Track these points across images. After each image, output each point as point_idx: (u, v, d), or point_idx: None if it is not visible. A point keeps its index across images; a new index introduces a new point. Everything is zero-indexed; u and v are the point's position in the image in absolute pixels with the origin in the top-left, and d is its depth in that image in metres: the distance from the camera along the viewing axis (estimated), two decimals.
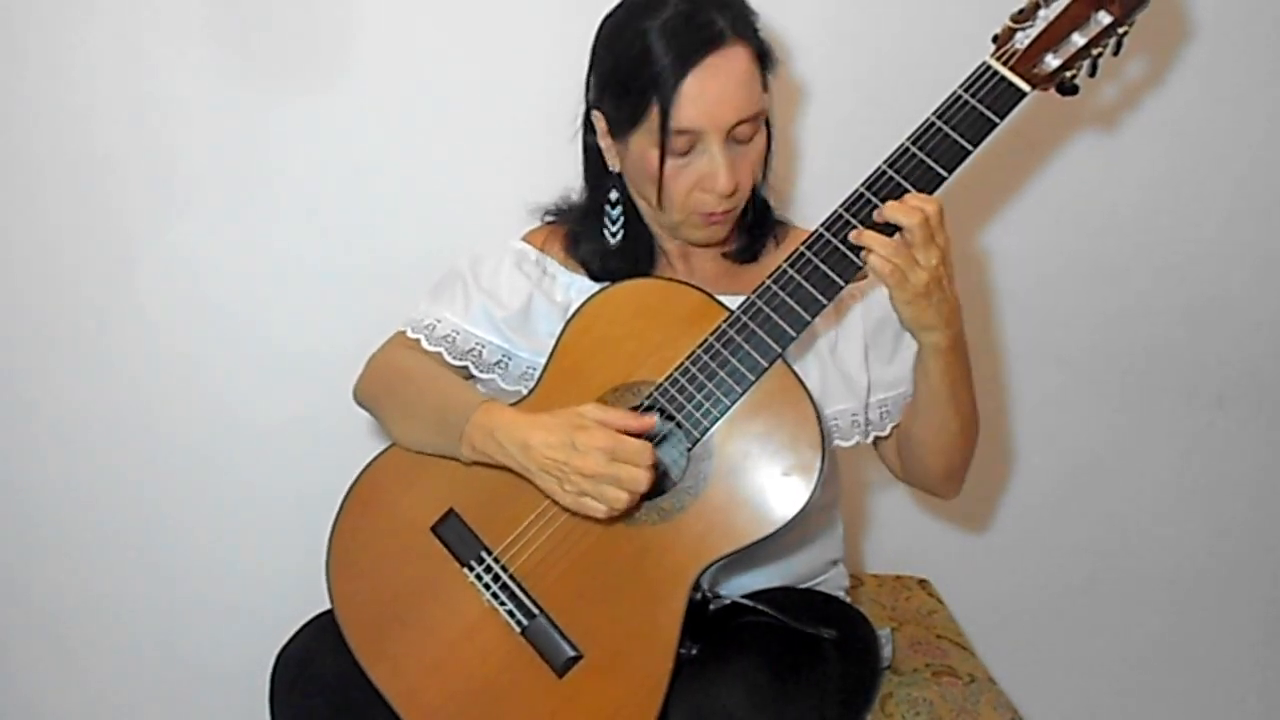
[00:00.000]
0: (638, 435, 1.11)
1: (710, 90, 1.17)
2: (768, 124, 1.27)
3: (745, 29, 1.20)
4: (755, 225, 1.34)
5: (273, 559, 1.83)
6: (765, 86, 1.23)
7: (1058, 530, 1.96)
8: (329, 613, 1.25)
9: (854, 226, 1.12)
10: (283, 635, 1.27)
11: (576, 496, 1.10)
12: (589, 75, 1.28)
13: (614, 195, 1.30)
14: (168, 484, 1.84)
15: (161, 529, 1.85)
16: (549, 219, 1.39)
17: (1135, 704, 2.04)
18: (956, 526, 1.96)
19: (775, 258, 1.30)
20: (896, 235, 1.10)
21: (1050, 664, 2.00)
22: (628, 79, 1.20)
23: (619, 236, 1.31)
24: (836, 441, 1.29)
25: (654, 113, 1.18)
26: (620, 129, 1.24)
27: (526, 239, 1.38)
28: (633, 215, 1.32)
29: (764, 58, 1.22)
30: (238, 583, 1.87)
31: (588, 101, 1.29)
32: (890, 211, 1.10)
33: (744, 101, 1.18)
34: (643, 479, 1.08)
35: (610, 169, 1.30)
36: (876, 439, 1.33)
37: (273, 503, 1.83)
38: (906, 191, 1.10)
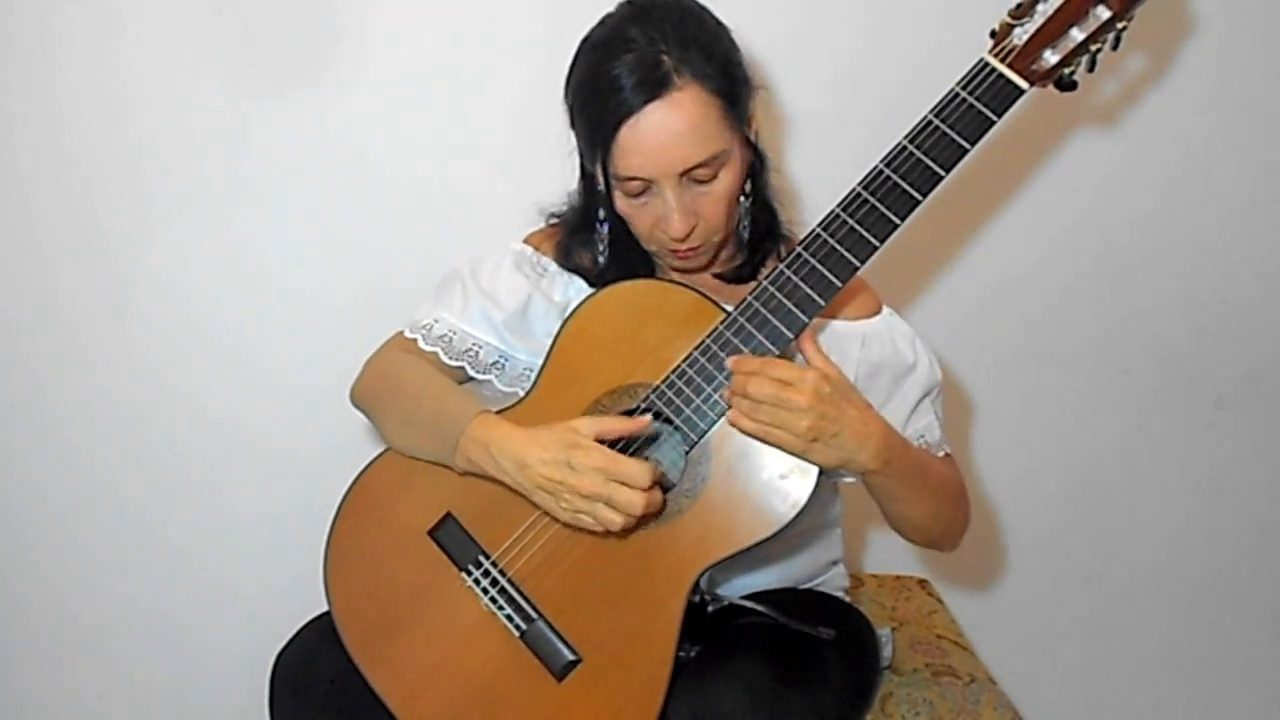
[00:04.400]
0: (633, 437, 1.11)
1: (651, 140, 1.13)
2: (757, 150, 1.24)
3: (701, 68, 1.13)
4: (754, 244, 1.30)
5: (272, 561, 1.83)
6: (739, 120, 1.18)
7: (1058, 531, 1.95)
8: (328, 614, 1.24)
9: (851, 227, 1.11)
10: (282, 636, 1.27)
11: (573, 514, 1.10)
12: (565, 99, 1.24)
13: (602, 214, 1.28)
14: (166, 488, 1.84)
15: (160, 532, 1.85)
16: (552, 220, 1.38)
17: (1136, 704, 2.04)
18: None
19: None
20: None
21: (1050, 664, 2.00)
22: (583, 118, 1.18)
23: (606, 255, 1.29)
24: (835, 477, 1.27)
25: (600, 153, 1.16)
26: (588, 159, 1.23)
27: (527, 240, 1.37)
28: (624, 233, 1.28)
29: (727, 93, 1.15)
30: (237, 584, 1.87)
31: (570, 124, 1.26)
32: (733, 394, 1.10)
33: (691, 148, 1.13)
34: (638, 502, 1.07)
35: (598, 188, 1.27)
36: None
37: (271, 505, 1.83)
38: (904, 191, 1.09)
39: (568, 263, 1.33)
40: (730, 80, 1.16)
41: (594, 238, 1.30)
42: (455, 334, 1.31)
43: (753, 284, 1.16)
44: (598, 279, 1.30)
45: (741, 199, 1.24)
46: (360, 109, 1.69)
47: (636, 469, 1.07)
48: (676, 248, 1.21)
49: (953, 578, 1.83)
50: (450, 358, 1.30)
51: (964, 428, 1.88)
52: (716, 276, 1.31)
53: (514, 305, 1.31)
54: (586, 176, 1.29)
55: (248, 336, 1.78)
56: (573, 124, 1.23)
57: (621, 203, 1.20)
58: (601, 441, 1.11)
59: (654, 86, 1.12)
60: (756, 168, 1.25)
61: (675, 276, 1.31)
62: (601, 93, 1.14)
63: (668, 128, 1.13)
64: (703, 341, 1.15)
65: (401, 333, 1.34)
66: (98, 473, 1.82)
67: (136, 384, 1.79)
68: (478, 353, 1.31)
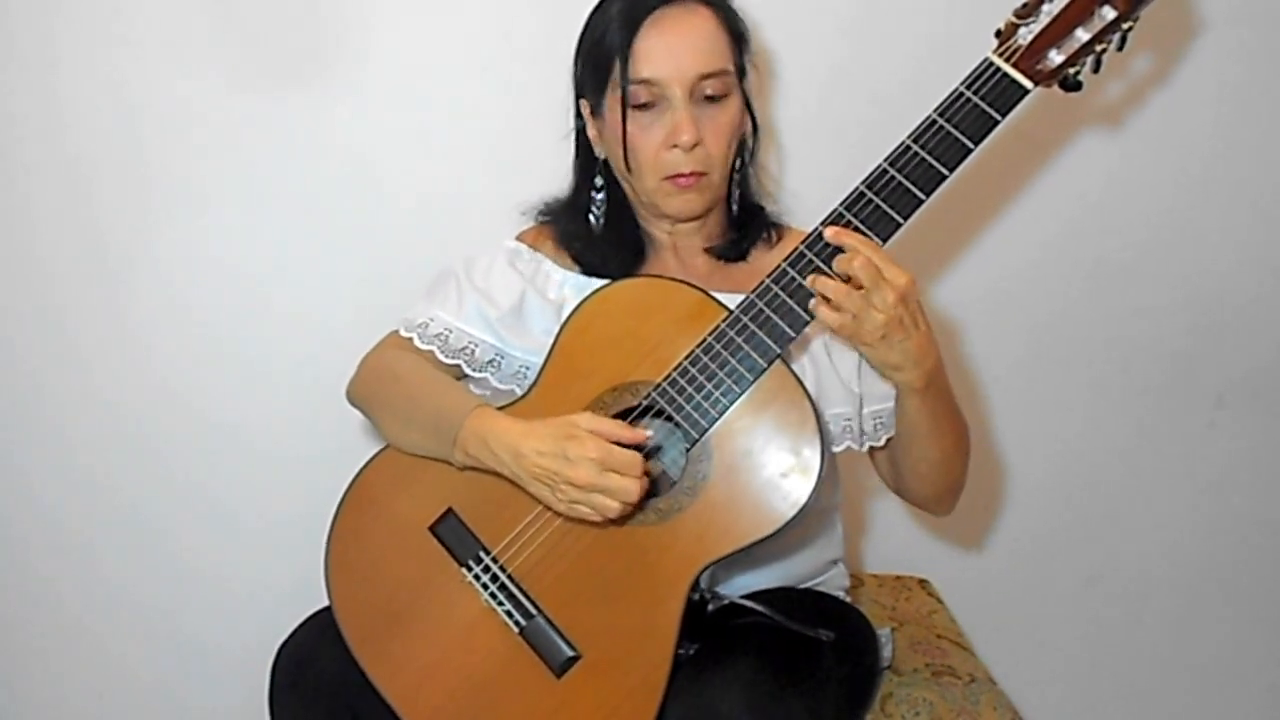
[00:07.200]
0: (631, 447, 1.11)
1: (668, 39, 1.20)
2: (751, 111, 1.28)
3: None
4: (743, 223, 1.34)
5: (272, 559, 1.83)
6: (739, 58, 1.25)
7: (1058, 530, 1.95)
8: (328, 610, 1.24)
9: (854, 226, 1.11)
10: (282, 634, 1.27)
11: (569, 504, 1.10)
12: (573, 65, 1.32)
13: (599, 181, 1.32)
14: (166, 487, 1.83)
15: (160, 532, 1.85)
16: (542, 218, 1.39)
17: (1135, 704, 2.04)
18: (956, 527, 1.95)
19: (771, 258, 1.30)
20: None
21: (1050, 664, 2.00)
22: (595, 45, 1.24)
23: (603, 222, 1.32)
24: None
25: (617, 67, 1.21)
26: (595, 99, 1.27)
27: (519, 238, 1.38)
28: (618, 203, 1.33)
29: (732, 29, 1.24)
30: (238, 583, 1.87)
31: (575, 91, 1.33)
32: (836, 265, 1.10)
33: (705, 55, 1.20)
34: (633, 490, 1.07)
35: (597, 156, 1.32)
36: (871, 449, 1.32)
37: (271, 503, 1.83)
38: (907, 190, 1.10)
39: (565, 244, 1.34)
40: (737, 26, 1.25)
41: (589, 208, 1.33)
42: (451, 332, 1.31)
43: (746, 269, 1.16)
44: (592, 255, 1.32)
45: (734, 173, 1.31)
46: (358, 109, 1.69)
47: (630, 457, 1.08)
48: (681, 170, 1.23)
49: (953, 578, 1.83)
50: (446, 356, 1.30)
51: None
52: (706, 251, 1.33)
53: (509, 303, 1.31)
54: (583, 145, 1.34)
55: (248, 336, 1.78)
56: (581, 73, 1.29)
57: (631, 124, 1.23)
58: None
59: None
60: (750, 136, 1.30)
61: (670, 266, 1.32)
62: (619, 13, 1.21)
63: (685, 26, 1.21)
64: (705, 339, 1.15)
65: (396, 331, 1.34)
66: (97, 472, 1.82)
67: (136, 383, 1.79)
68: (474, 350, 1.31)
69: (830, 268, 1.11)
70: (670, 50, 1.20)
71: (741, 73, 1.27)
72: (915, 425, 1.24)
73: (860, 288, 1.09)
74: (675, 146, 1.22)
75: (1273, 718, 2.05)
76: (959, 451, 1.30)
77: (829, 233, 1.11)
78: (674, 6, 1.21)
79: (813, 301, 1.11)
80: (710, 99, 1.22)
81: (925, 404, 1.20)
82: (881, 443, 1.30)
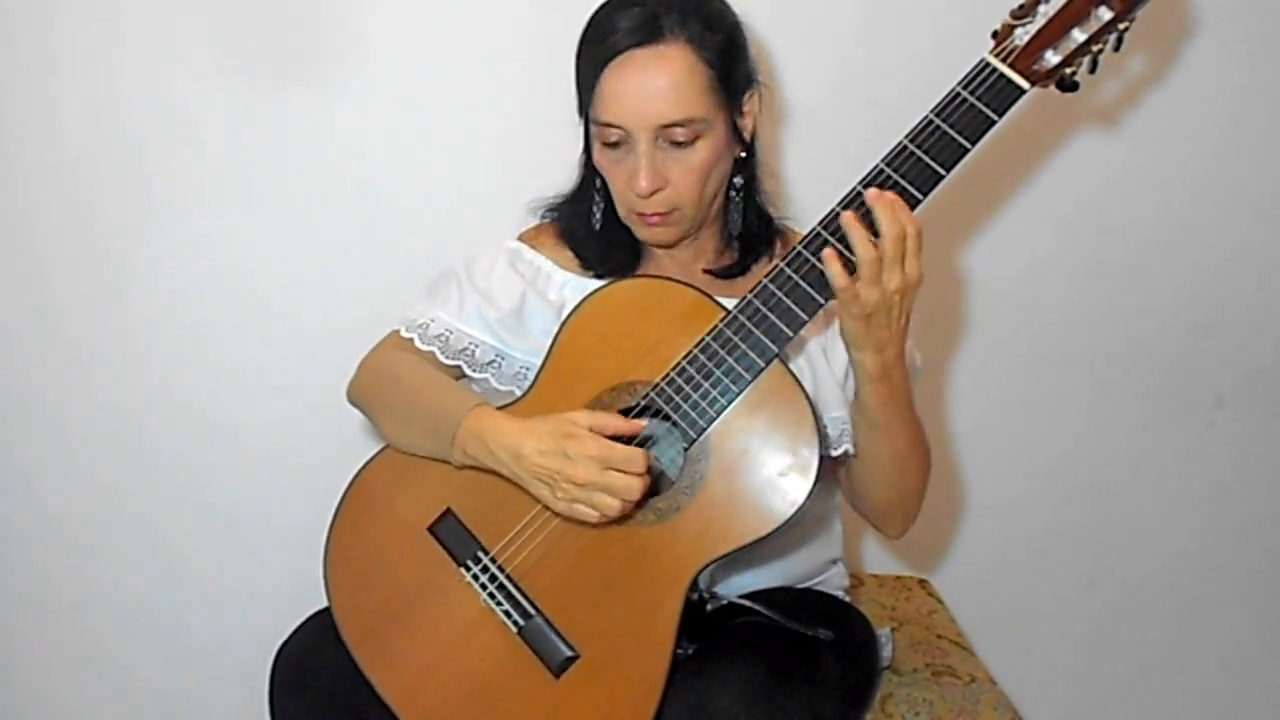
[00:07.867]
0: (628, 439, 1.11)
1: (630, 87, 1.16)
2: (748, 143, 1.26)
3: (698, 34, 1.16)
4: (746, 241, 1.32)
5: (272, 559, 1.83)
6: (728, 100, 1.20)
7: (1058, 530, 1.95)
8: (328, 611, 1.24)
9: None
10: (282, 634, 1.27)
11: (569, 503, 1.09)
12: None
13: (599, 182, 1.30)
14: (166, 488, 1.84)
15: (161, 533, 1.85)
16: (545, 215, 1.38)
17: (1135, 704, 2.04)
18: (956, 527, 1.95)
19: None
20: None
21: (1050, 664, 2.00)
22: (579, 68, 1.22)
23: (601, 223, 1.31)
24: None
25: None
26: (584, 116, 1.25)
27: (521, 238, 1.38)
28: (613, 209, 1.31)
29: (715, 63, 1.18)
30: (238, 583, 1.87)
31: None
32: (877, 202, 1.07)
33: (671, 104, 1.16)
34: (635, 487, 1.07)
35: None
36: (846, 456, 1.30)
37: (272, 502, 1.83)
38: (905, 190, 1.10)
39: (567, 238, 1.34)
40: (725, 58, 1.19)
41: (591, 206, 1.31)
42: (452, 333, 1.31)
43: (747, 281, 1.16)
44: (590, 252, 1.32)
45: (733, 194, 1.28)
46: (358, 109, 1.70)
47: (630, 453, 1.08)
48: (643, 210, 1.22)
49: (953, 578, 1.83)
50: (447, 357, 1.30)
51: (964, 428, 1.88)
52: (706, 272, 1.32)
53: (509, 304, 1.31)
54: (589, 144, 1.31)
55: (247, 336, 1.78)
56: (578, 88, 1.26)
57: (601, 157, 1.23)
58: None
59: (644, 33, 1.16)
60: (746, 162, 1.28)
61: (667, 270, 1.32)
62: (597, 37, 1.18)
63: (649, 76, 1.16)
64: (703, 339, 1.15)
65: (397, 331, 1.34)
66: (97, 473, 1.83)
67: (136, 384, 1.79)
68: (474, 351, 1.31)
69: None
70: (633, 98, 1.16)
71: (732, 101, 1.21)
72: (865, 413, 1.21)
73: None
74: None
75: (1273, 718, 2.05)
76: (913, 460, 1.26)
77: (845, 217, 1.09)
78: (644, 50, 1.15)
79: (826, 250, 1.09)
80: (678, 144, 1.19)
81: (878, 393, 1.17)
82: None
